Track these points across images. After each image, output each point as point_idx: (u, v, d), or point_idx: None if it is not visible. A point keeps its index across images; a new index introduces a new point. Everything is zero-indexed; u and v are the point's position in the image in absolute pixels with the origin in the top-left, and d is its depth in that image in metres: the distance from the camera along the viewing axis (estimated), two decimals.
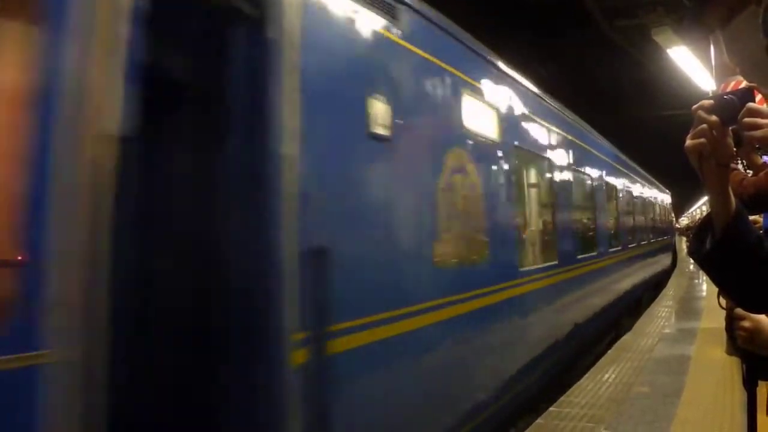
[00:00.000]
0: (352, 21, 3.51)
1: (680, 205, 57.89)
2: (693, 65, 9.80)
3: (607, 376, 6.93)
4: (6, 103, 1.94)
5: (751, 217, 1.56)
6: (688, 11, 7.59)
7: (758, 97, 1.50)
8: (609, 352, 8.32)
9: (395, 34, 3.87)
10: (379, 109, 3.55)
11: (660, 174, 24.33)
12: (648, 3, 8.75)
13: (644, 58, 11.51)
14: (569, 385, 6.64)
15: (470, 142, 4.80)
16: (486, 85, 5.39)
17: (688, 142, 1.45)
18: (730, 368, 7.01)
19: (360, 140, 3.45)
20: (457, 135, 4.62)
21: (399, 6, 3.93)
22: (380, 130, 3.56)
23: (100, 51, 2.00)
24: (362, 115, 3.46)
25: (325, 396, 2.91)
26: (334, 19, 3.39)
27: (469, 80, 4.96)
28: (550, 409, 5.81)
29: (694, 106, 1.46)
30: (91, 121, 1.96)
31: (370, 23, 3.64)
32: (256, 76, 2.81)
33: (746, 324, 2.00)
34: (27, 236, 1.85)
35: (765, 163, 3.92)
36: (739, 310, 1.97)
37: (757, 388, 2.19)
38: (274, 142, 2.81)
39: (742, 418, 5.08)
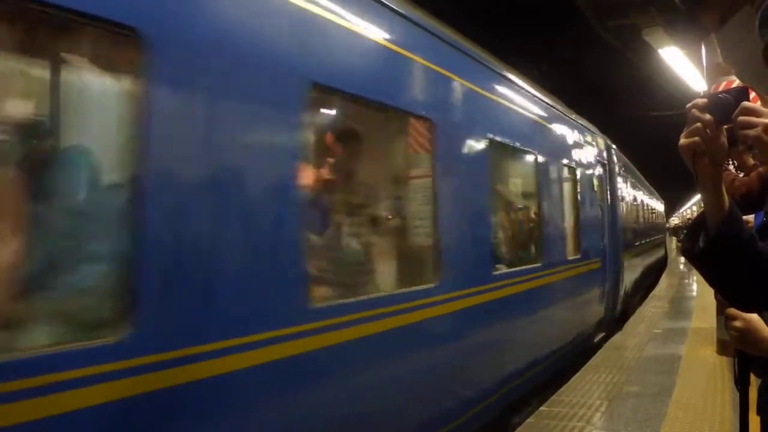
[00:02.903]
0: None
1: (672, 204, 58.18)
2: (685, 66, 9.84)
3: (597, 375, 6.95)
4: None
5: (744, 217, 1.56)
6: (682, 13, 7.64)
7: (752, 95, 1.49)
8: (600, 351, 8.34)
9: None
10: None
11: (652, 174, 24.38)
12: (639, 3, 8.77)
13: (636, 58, 11.55)
14: (560, 385, 6.65)
15: None
16: None
17: (682, 140, 1.45)
18: (721, 368, 7.05)
19: None
20: None
21: None
22: None
23: None
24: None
25: None
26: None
27: None
28: (541, 408, 5.82)
29: (688, 105, 1.46)
30: None
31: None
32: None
33: (738, 324, 2.00)
34: None
35: (755, 163, 3.94)
36: (731, 310, 1.97)
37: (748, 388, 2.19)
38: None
39: (732, 418, 5.13)
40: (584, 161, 9.19)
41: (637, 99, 17.74)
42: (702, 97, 1.49)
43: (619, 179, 12.55)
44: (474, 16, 9.43)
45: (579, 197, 8.61)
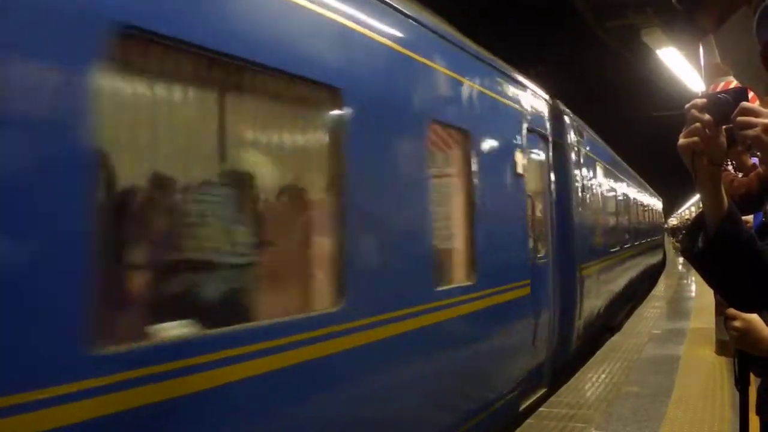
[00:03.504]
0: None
1: (671, 205, 58.29)
2: (683, 66, 9.85)
3: (597, 376, 6.95)
4: None
5: (742, 218, 1.56)
6: (680, 14, 7.66)
7: (750, 95, 1.49)
8: (599, 352, 8.34)
9: None
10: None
11: (651, 175, 24.38)
12: (637, 4, 8.79)
13: (635, 59, 11.57)
14: (560, 385, 6.65)
15: None
16: None
17: (681, 140, 1.45)
18: (720, 368, 7.06)
19: None
20: None
21: None
22: None
23: None
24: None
25: None
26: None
27: None
28: (541, 409, 5.82)
29: (687, 105, 1.46)
30: None
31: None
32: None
33: (737, 324, 2.00)
34: None
35: (754, 164, 3.94)
36: (731, 310, 1.97)
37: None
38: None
39: (731, 418, 5.13)
40: (495, 126, 5.69)
41: (636, 99, 17.78)
42: (701, 97, 1.49)
43: (580, 162, 8.99)
44: (472, 16, 9.45)
45: (478, 185, 5.06)
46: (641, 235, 17.84)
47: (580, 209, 8.63)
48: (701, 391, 6.22)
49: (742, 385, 2.15)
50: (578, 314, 7.98)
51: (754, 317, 1.97)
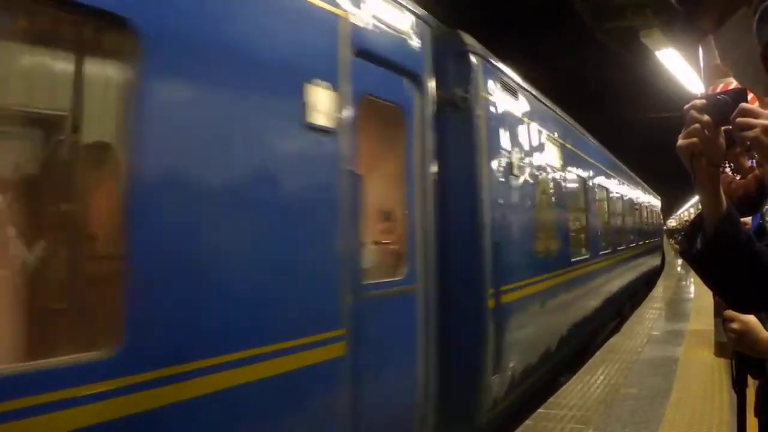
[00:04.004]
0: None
1: (669, 206, 58.36)
2: (682, 67, 9.85)
3: (595, 377, 6.94)
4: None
5: (741, 219, 1.56)
6: (679, 15, 7.64)
7: (749, 96, 1.49)
8: (597, 353, 8.34)
9: None
10: None
11: (650, 176, 24.39)
12: (636, 5, 8.79)
13: (634, 60, 11.57)
14: (558, 387, 6.65)
15: None
16: None
17: (680, 141, 1.45)
18: (718, 370, 7.06)
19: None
20: None
21: None
22: None
23: None
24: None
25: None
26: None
27: None
28: (539, 410, 5.81)
29: (686, 106, 1.45)
30: None
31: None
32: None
33: (735, 325, 2.00)
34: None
35: (752, 166, 3.94)
36: (729, 311, 1.97)
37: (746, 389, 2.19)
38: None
39: (729, 419, 5.13)
40: (237, 23, 2.87)
41: (635, 101, 17.78)
42: (700, 98, 1.49)
43: (508, 134, 5.84)
44: (468, 16, 9.45)
45: (159, 141, 2.42)
46: (632, 237, 15.32)
47: (501, 203, 5.53)
48: (700, 392, 6.22)
49: (739, 386, 2.15)
50: (491, 366, 4.99)
51: (752, 319, 1.97)
